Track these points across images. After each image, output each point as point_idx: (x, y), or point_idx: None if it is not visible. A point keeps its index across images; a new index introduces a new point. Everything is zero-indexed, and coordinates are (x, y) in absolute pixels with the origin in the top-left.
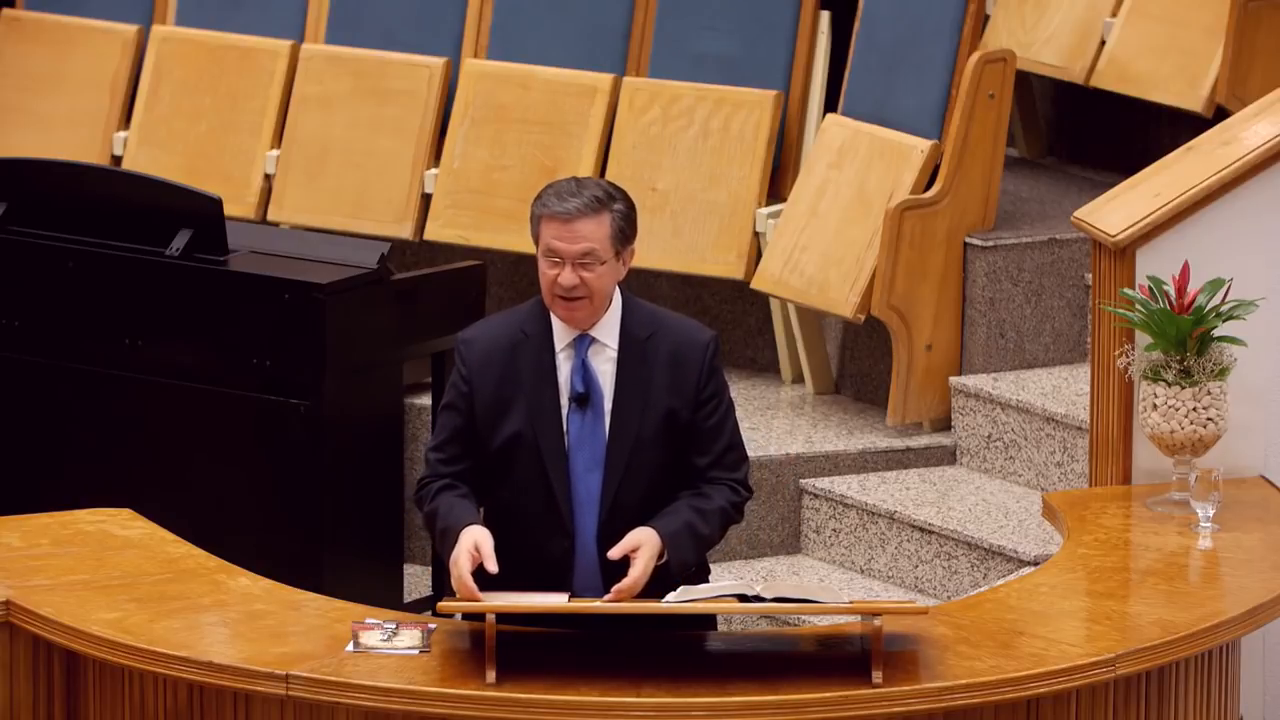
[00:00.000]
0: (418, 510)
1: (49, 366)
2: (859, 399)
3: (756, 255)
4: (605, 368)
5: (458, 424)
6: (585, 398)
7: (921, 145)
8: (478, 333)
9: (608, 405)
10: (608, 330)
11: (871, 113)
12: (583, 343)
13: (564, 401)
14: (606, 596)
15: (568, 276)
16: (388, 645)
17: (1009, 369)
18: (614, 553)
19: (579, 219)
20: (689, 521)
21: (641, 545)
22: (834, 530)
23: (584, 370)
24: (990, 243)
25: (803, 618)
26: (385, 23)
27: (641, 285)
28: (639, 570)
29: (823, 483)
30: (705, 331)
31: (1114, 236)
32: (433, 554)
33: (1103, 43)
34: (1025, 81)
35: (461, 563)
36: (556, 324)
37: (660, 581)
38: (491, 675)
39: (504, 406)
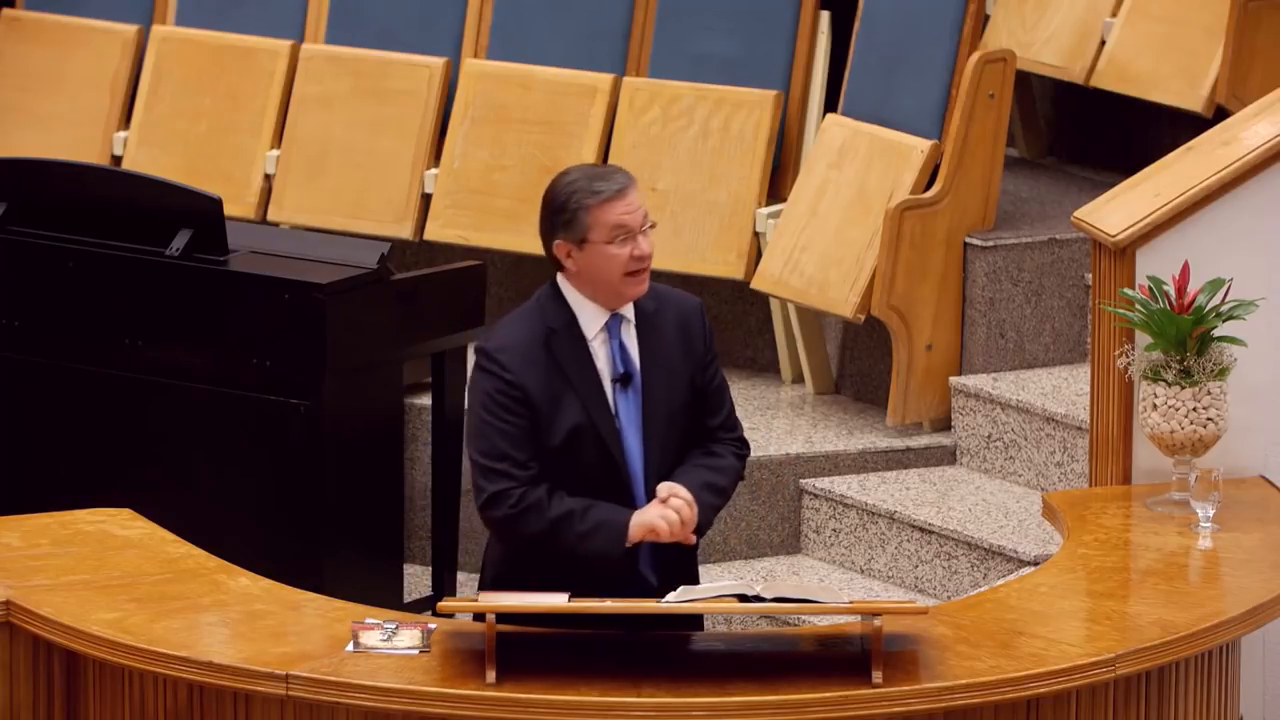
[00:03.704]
0: (512, 525)
1: (49, 366)
2: (859, 399)
3: (756, 255)
4: (630, 344)
5: (523, 428)
6: (628, 377)
7: (921, 145)
8: (506, 339)
9: (638, 381)
10: (628, 309)
11: (871, 113)
12: (615, 324)
13: (606, 384)
14: (669, 495)
15: (645, 244)
16: (388, 645)
17: (1009, 369)
18: (661, 499)
19: (630, 189)
20: (707, 481)
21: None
22: (834, 530)
23: (622, 351)
24: (990, 243)
25: (803, 618)
26: (385, 23)
27: None
28: (683, 493)
29: (823, 483)
30: (692, 297)
31: (1114, 236)
32: (433, 554)
33: (1103, 43)
34: (1025, 81)
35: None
36: (582, 312)
37: (676, 548)
38: (491, 675)
39: (556, 402)
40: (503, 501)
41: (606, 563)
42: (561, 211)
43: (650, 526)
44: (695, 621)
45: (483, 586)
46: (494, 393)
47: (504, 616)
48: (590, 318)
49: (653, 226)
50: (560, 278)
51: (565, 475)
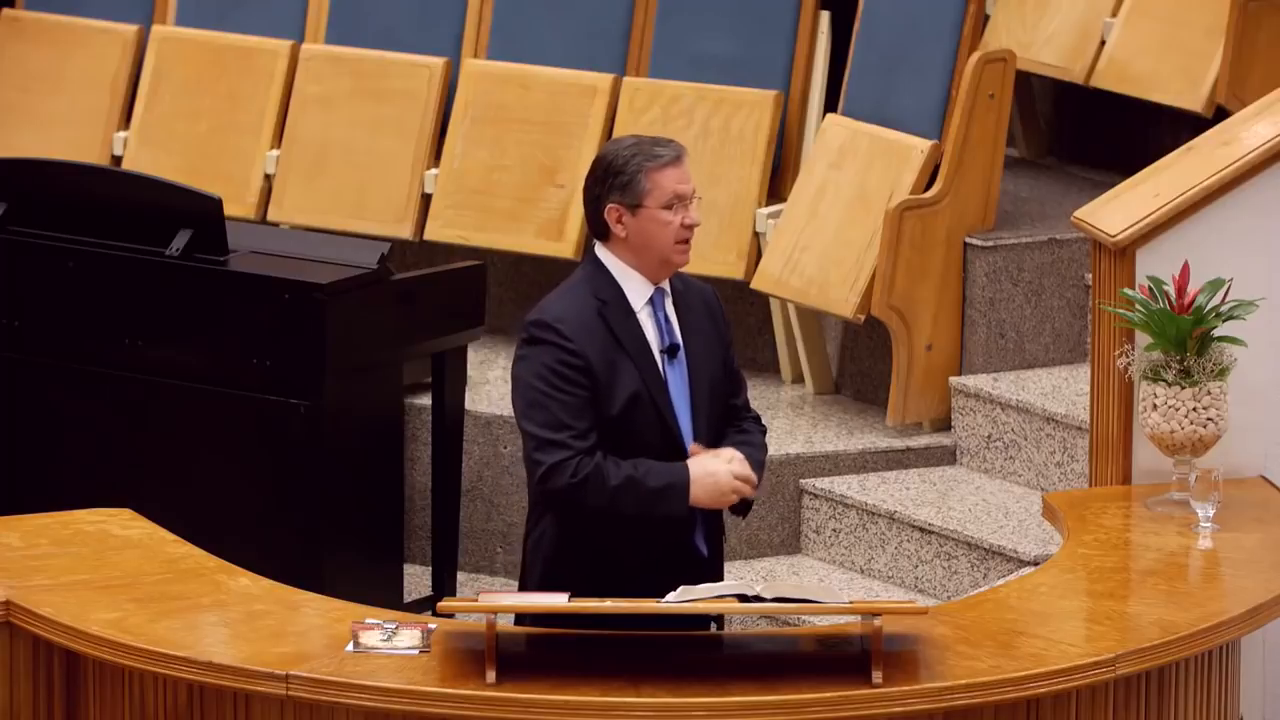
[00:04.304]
0: (572, 496)
1: (49, 366)
2: (859, 399)
3: (756, 255)
4: (672, 318)
5: (583, 398)
6: (675, 348)
7: (921, 145)
8: (561, 311)
9: (682, 353)
10: (665, 284)
11: (871, 113)
12: (659, 297)
13: (656, 355)
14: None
15: (695, 213)
16: (388, 645)
17: (1009, 369)
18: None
19: (685, 158)
20: (758, 460)
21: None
22: (834, 530)
23: (667, 323)
24: (990, 243)
25: (803, 618)
26: (385, 23)
27: None
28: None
29: (823, 483)
30: (705, 284)
31: (1114, 236)
32: (433, 554)
33: (1103, 43)
34: (1025, 81)
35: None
36: (628, 284)
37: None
38: (491, 675)
39: (613, 371)
40: (562, 473)
41: (668, 524)
42: (620, 173)
43: (724, 495)
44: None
45: (530, 579)
46: (555, 364)
47: (538, 618)
48: (636, 290)
49: (699, 199)
50: (601, 250)
51: (622, 444)
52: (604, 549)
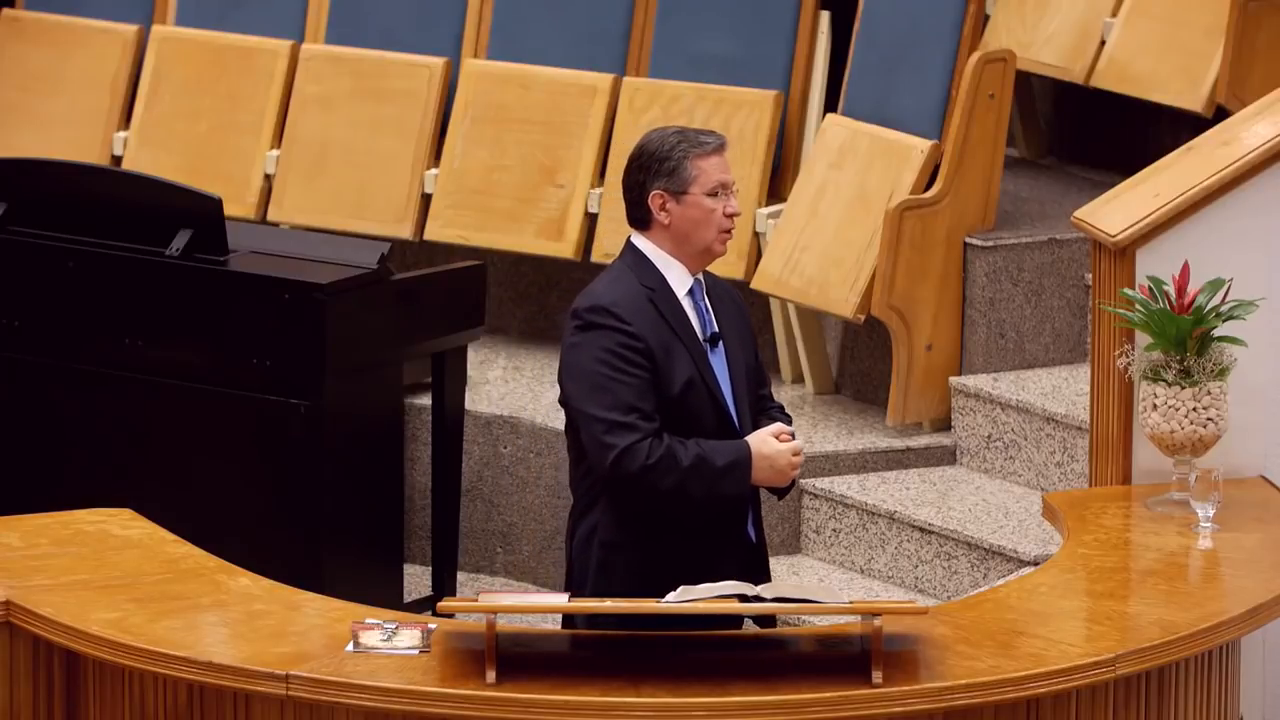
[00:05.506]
0: (643, 478)
1: (49, 366)
2: (859, 399)
3: (756, 255)
4: (710, 308)
5: (646, 380)
6: (717, 337)
7: (921, 145)
8: (614, 296)
9: (722, 342)
10: (700, 275)
11: (871, 113)
12: (697, 288)
13: (701, 342)
14: (776, 432)
15: (735, 202)
16: (388, 645)
17: (1009, 369)
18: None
19: (726, 148)
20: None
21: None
22: (834, 530)
23: (708, 313)
24: (990, 243)
25: (803, 618)
26: (385, 23)
27: None
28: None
29: (823, 483)
30: (726, 283)
31: (1114, 236)
32: (433, 554)
33: (1103, 43)
34: (1025, 81)
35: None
36: (670, 274)
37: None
38: (491, 675)
39: (668, 354)
40: (636, 455)
41: (724, 512)
42: (665, 159)
43: (783, 474)
44: (736, 621)
45: (583, 574)
46: (616, 347)
47: (591, 619)
48: (677, 279)
49: (738, 190)
50: (640, 240)
51: (679, 428)
52: (660, 538)
